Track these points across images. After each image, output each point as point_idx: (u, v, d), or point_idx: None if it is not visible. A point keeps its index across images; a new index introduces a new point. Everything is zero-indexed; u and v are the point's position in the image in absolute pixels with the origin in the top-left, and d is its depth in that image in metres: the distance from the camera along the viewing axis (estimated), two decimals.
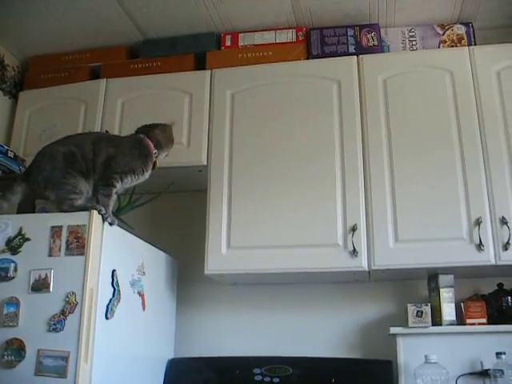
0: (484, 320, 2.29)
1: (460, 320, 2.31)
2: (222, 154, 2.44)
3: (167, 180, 2.50)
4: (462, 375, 2.26)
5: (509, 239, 2.16)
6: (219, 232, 2.34)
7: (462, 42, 2.55)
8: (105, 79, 2.70)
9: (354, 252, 2.21)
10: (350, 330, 2.52)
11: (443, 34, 2.56)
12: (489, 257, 2.17)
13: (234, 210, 2.36)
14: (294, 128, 2.43)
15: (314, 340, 2.52)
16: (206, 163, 2.46)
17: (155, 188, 2.46)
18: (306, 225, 2.29)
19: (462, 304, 2.33)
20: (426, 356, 2.19)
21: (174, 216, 2.80)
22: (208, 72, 2.60)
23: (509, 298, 2.33)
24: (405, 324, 2.30)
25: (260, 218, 2.33)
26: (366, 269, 2.22)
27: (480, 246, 2.17)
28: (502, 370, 2.16)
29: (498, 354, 2.18)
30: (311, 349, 2.46)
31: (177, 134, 2.43)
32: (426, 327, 2.28)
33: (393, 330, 2.31)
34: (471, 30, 2.57)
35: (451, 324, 2.28)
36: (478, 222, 2.19)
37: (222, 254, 2.32)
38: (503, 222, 2.18)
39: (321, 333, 2.53)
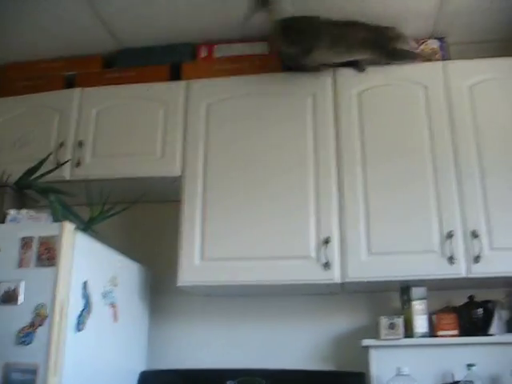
0: (455, 332, 2.31)
1: (432, 332, 2.32)
2: (196, 165, 2.44)
3: (141, 190, 2.48)
4: None
5: (479, 252, 2.18)
6: (192, 243, 2.33)
7: (436, 56, 2.58)
8: (80, 88, 2.67)
9: (327, 264, 2.22)
10: (323, 341, 2.52)
11: (417, 48, 2.59)
12: (460, 270, 2.19)
13: (208, 221, 2.35)
14: (268, 140, 2.43)
15: (287, 352, 2.52)
16: (179, 174, 2.44)
17: (128, 198, 2.44)
18: (280, 237, 2.29)
19: (434, 316, 2.34)
20: (398, 368, 2.19)
21: (148, 227, 2.78)
22: (183, 83, 2.59)
23: (479, 310, 2.35)
24: (377, 336, 2.31)
25: (234, 229, 2.33)
26: (339, 281, 2.23)
27: (451, 259, 2.19)
28: (472, 382, 2.18)
29: (469, 366, 2.19)
30: (284, 361, 2.46)
31: (151, 145, 2.43)
32: (398, 339, 2.28)
33: (365, 342, 2.32)
34: (445, 44, 2.60)
35: (423, 336, 2.29)
36: (450, 235, 2.21)
37: (195, 265, 2.31)
38: (474, 235, 2.20)
39: (294, 345, 2.53)
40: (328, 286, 2.30)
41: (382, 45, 2.41)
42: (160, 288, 2.61)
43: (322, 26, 2.37)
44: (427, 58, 2.57)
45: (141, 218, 2.76)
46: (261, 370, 2.38)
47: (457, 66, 2.46)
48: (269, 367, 2.40)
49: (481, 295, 2.39)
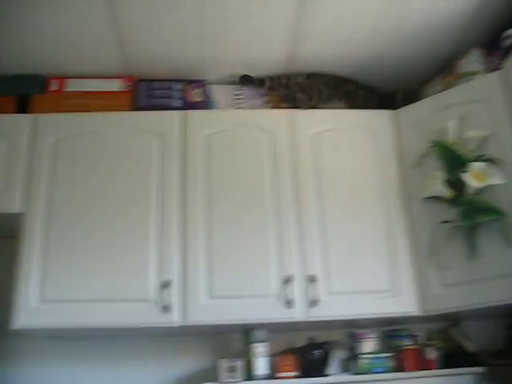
0: (295, 373, 2.36)
1: (273, 373, 2.35)
2: (38, 203, 2.34)
3: None
4: None
5: (316, 297, 2.25)
6: (29, 284, 2.22)
7: (285, 103, 2.66)
8: None
9: (166, 308, 2.20)
10: None
11: (268, 95, 2.66)
12: (297, 314, 2.25)
13: (47, 262, 2.26)
14: (114, 179, 2.39)
15: None
16: (20, 211, 2.34)
17: None
18: (120, 279, 2.24)
19: (274, 358, 2.38)
20: None
21: None
22: (30, 116, 2.49)
23: (317, 351, 2.42)
24: (218, 379, 2.31)
25: (74, 271, 2.25)
26: (178, 325, 2.21)
27: (289, 303, 2.24)
28: None
29: None
30: None
31: None
32: (238, 382, 2.30)
33: None
34: None
35: (264, 378, 2.32)
36: (289, 280, 2.26)
37: (32, 307, 2.20)
38: (312, 280, 2.27)
39: None
40: (168, 329, 2.28)
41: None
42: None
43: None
44: (276, 105, 2.65)
45: None
46: None
47: (303, 115, 2.56)
48: None
49: (322, 336, 2.48)
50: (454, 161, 2.32)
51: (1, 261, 2.59)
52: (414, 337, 2.53)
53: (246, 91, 2.67)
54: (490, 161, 2.23)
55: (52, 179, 2.39)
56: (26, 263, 2.26)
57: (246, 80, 2.67)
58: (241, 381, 2.30)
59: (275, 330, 2.40)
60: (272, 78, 2.66)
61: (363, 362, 2.41)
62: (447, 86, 2.56)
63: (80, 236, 2.31)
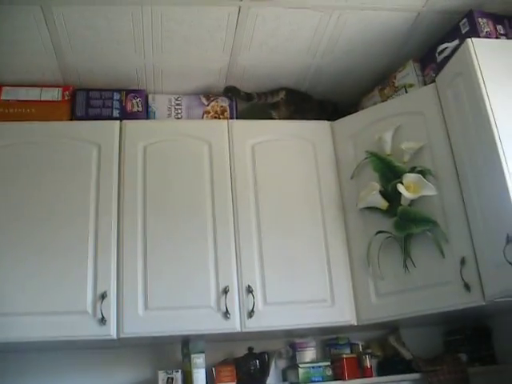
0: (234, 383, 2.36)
1: None
2: None
3: None
4: None
5: (253, 307, 2.26)
6: None
7: (225, 114, 2.67)
8: None
9: (103, 320, 2.18)
10: None
11: (208, 105, 2.67)
12: (235, 325, 2.26)
13: None
14: (50, 191, 2.34)
15: None
16: None
17: None
18: (58, 291, 2.20)
19: (213, 368, 2.38)
20: None
21: None
22: None
23: (257, 361, 2.43)
24: None
25: (8, 282, 2.20)
26: (115, 337, 2.19)
27: (226, 314, 2.25)
28: None
29: None
30: None
31: None
32: None
33: None
34: (234, 103, 2.71)
35: None
36: (226, 291, 2.27)
37: None
38: (249, 290, 2.29)
39: None
40: (105, 341, 2.25)
41: None
42: None
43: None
44: (216, 115, 2.65)
45: None
46: None
47: (241, 125, 2.58)
48: None
49: (263, 345, 2.50)
50: (389, 172, 2.36)
51: None
52: (353, 345, 2.57)
53: (185, 101, 2.67)
54: (423, 172, 2.28)
55: None
56: None
57: (231, 91, 2.68)
58: None
59: (214, 340, 2.40)
60: (259, 94, 2.68)
61: (302, 371, 2.42)
62: (386, 98, 2.61)
63: (13, 246, 2.25)
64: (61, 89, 2.58)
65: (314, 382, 2.42)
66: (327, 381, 2.43)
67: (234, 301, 2.28)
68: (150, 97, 2.66)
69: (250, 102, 2.69)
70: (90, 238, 2.29)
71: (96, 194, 2.36)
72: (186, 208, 2.39)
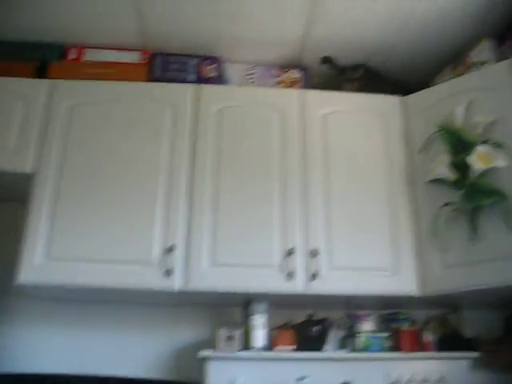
0: (292, 347, 2.38)
1: (270, 347, 2.38)
2: (49, 164, 2.39)
3: None
4: None
5: (317, 271, 2.28)
6: (36, 241, 2.26)
7: (297, 85, 2.71)
8: None
9: (168, 272, 2.23)
10: (164, 352, 2.53)
11: (280, 76, 2.71)
12: (297, 286, 2.27)
13: (55, 220, 2.30)
14: (126, 145, 2.43)
15: (129, 361, 2.50)
16: (32, 171, 2.38)
17: None
18: (125, 241, 2.28)
19: (273, 331, 2.41)
20: (231, 380, 2.23)
21: None
22: (48, 81, 2.55)
23: (316, 327, 2.44)
24: (215, 348, 2.34)
25: (80, 230, 2.28)
26: (179, 290, 2.23)
27: (290, 276, 2.27)
28: None
29: (299, 380, 2.28)
30: (125, 370, 2.44)
31: (5, 138, 2.38)
32: (235, 352, 2.32)
33: (202, 353, 2.34)
34: (306, 75, 2.75)
35: (261, 350, 2.34)
36: (291, 252, 2.29)
37: (37, 263, 2.23)
38: (314, 253, 2.30)
39: (136, 354, 2.52)
40: (169, 295, 2.30)
41: None
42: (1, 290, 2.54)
43: None
44: (288, 86, 2.70)
45: None
46: (98, 377, 2.34)
47: (314, 95, 2.61)
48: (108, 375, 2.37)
49: (320, 315, 2.50)
50: (459, 145, 2.35)
51: (13, 224, 2.64)
52: (412, 321, 2.55)
53: (259, 71, 2.72)
54: (495, 145, 2.26)
55: (65, 142, 2.44)
56: (34, 220, 2.30)
57: (328, 61, 2.74)
58: (238, 350, 2.32)
59: (275, 304, 2.42)
60: (343, 69, 2.74)
61: (361, 339, 2.43)
62: (457, 76, 2.60)
63: (88, 197, 2.35)
64: (140, 52, 2.68)
65: (373, 351, 2.41)
66: (386, 351, 2.42)
67: (298, 263, 2.30)
68: (224, 65, 2.72)
69: (342, 75, 2.72)
70: (161, 193, 2.36)
71: (169, 152, 2.43)
72: (256, 168, 2.43)
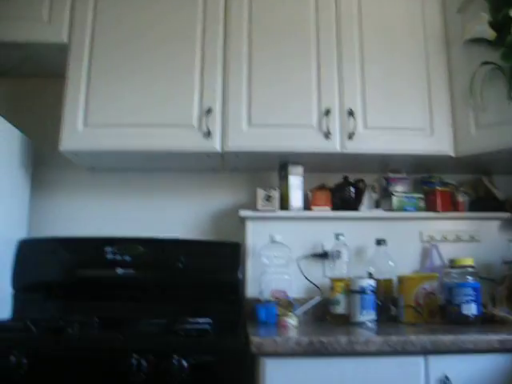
0: (328, 207, 2.44)
1: (306, 207, 2.44)
2: (83, 32, 2.36)
3: (23, 58, 2.42)
4: (305, 256, 2.42)
5: (353, 130, 2.30)
6: (76, 109, 2.29)
7: None
8: None
9: (208, 133, 2.26)
10: (203, 216, 2.62)
11: None
12: (335, 145, 2.30)
13: (93, 87, 2.31)
14: (159, 8, 2.40)
15: (168, 225, 2.59)
16: (66, 41, 2.37)
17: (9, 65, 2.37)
18: (164, 105, 2.29)
19: (309, 192, 2.47)
20: (270, 236, 2.31)
21: (33, 100, 2.72)
22: None
23: (352, 188, 2.49)
24: (254, 208, 2.40)
25: (118, 95, 2.30)
26: (219, 150, 2.27)
27: (327, 135, 2.29)
28: (339, 251, 2.34)
29: (337, 236, 2.35)
30: (165, 232, 2.52)
31: (37, 10, 2.37)
32: (274, 211, 2.39)
33: (242, 213, 2.42)
34: None
35: (298, 209, 2.41)
36: (327, 112, 2.31)
37: (78, 130, 2.28)
38: (350, 113, 2.31)
39: (175, 218, 2.61)
40: (208, 156, 2.35)
41: None
42: (44, 160, 2.63)
43: None
44: None
45: (25, 92, 2.73)
46: (138, 239, 2.43)
47: None
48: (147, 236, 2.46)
49: (353, 176, 2.55)
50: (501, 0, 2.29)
51: (43, 100, 2.67)
52: (445, 183, 2.58)
53: None
54: None
55: (96, 10, 2.41)
56: (72, 89, 2.32)
57: None
58: (276, 210, 2.39)
59: (309, 168, 2.46)
60: None
61: (396, 199, 2.48)
62: None
63: (123, 63, 2.34)
64: None
65: (407, 210, 2.47)
66: (420, 211, 2.48)
67: (335, 122, 2.31)
68: None
69: None
70: (198, 56, 2.34)
71: (203, 14, 2.40)
72: (290, 31, 2.39)
